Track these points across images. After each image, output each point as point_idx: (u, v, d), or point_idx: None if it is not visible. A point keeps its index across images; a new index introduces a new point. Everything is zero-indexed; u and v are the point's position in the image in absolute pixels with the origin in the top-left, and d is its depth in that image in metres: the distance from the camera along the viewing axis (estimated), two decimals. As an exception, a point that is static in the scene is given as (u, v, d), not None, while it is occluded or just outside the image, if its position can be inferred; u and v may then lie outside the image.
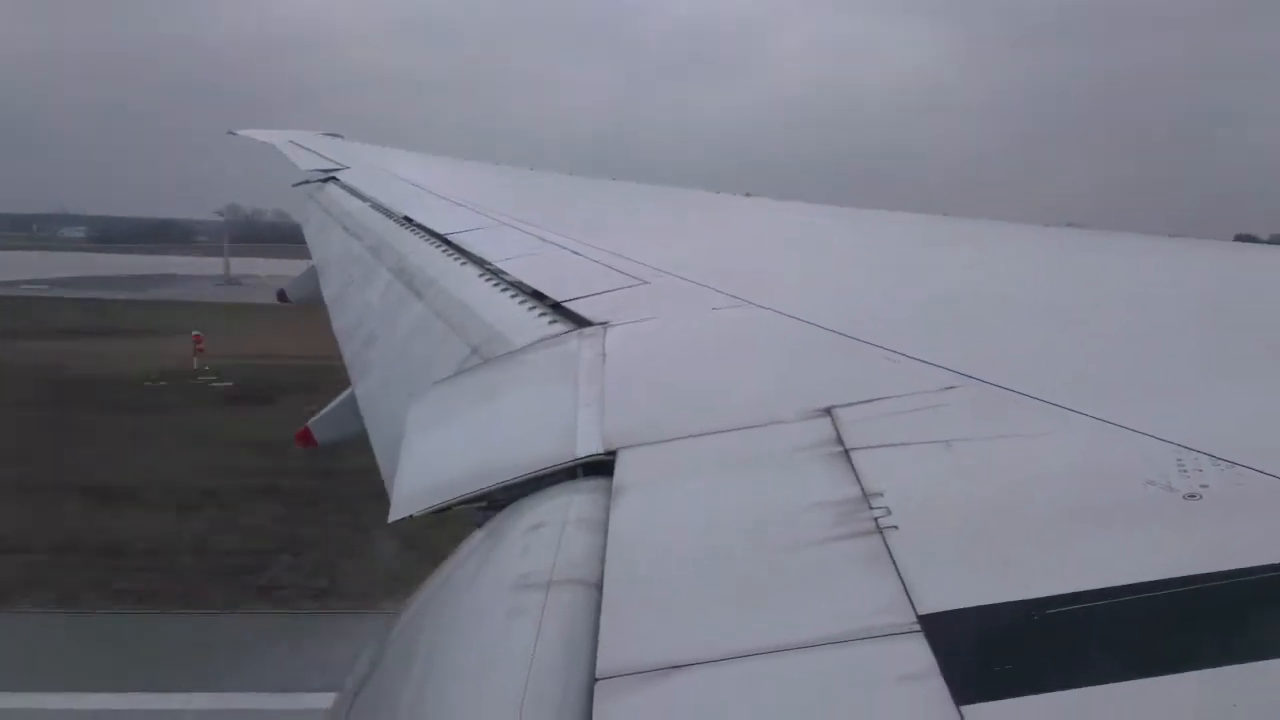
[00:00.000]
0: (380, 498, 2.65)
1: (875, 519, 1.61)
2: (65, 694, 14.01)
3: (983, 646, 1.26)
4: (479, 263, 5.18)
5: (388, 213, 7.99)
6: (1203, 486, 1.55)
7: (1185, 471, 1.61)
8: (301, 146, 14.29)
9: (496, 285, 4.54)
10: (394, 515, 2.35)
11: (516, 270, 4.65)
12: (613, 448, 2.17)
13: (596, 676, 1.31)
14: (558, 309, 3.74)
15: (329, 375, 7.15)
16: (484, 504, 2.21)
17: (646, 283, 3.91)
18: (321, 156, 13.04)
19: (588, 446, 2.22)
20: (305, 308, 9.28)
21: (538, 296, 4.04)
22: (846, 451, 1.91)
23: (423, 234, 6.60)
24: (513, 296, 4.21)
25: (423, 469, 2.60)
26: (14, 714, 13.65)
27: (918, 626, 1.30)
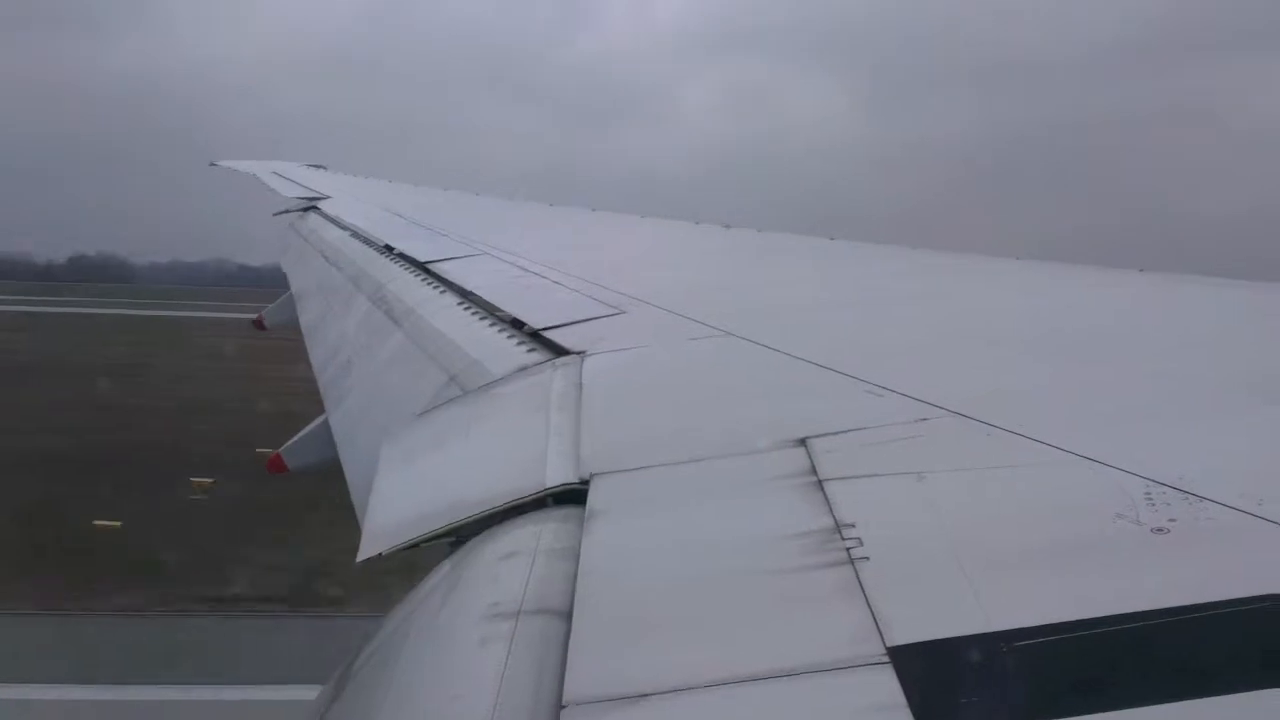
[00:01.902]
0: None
1: (847, 549, 1.60)
2: (64, 685, 14.50)
3: (950, 679, 1.26)
4: (458, 291, 5.18)
5: (368, 241, 7.98)
6: (1170, 521, 1.56)
7: (1154, 505, 1.62)
8: (284, 177, 14.29)
9: (475, 314, 4.53)
10: (362, 554, 2.28)
11: (496, 298, 4.65)
12: (587, 476, 2.16)
13: (563, 703, 1.30)
14: (536, 337, 3.74)
15: None
16: (453, 539, 2.17)
17: (624, 312, 3.92)
18: (304, 186, 13.04)
19: (561, 475, 2.20)
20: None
21: (516, 325, 4.04)
22: (820, 482, 1.90)
23: (403, 262, 6.60)
24: (491, 325, 4.21)
25: (393, 506, 2.55)
26: (13, 705, 14.02)
27: (886, 658, 1.29)
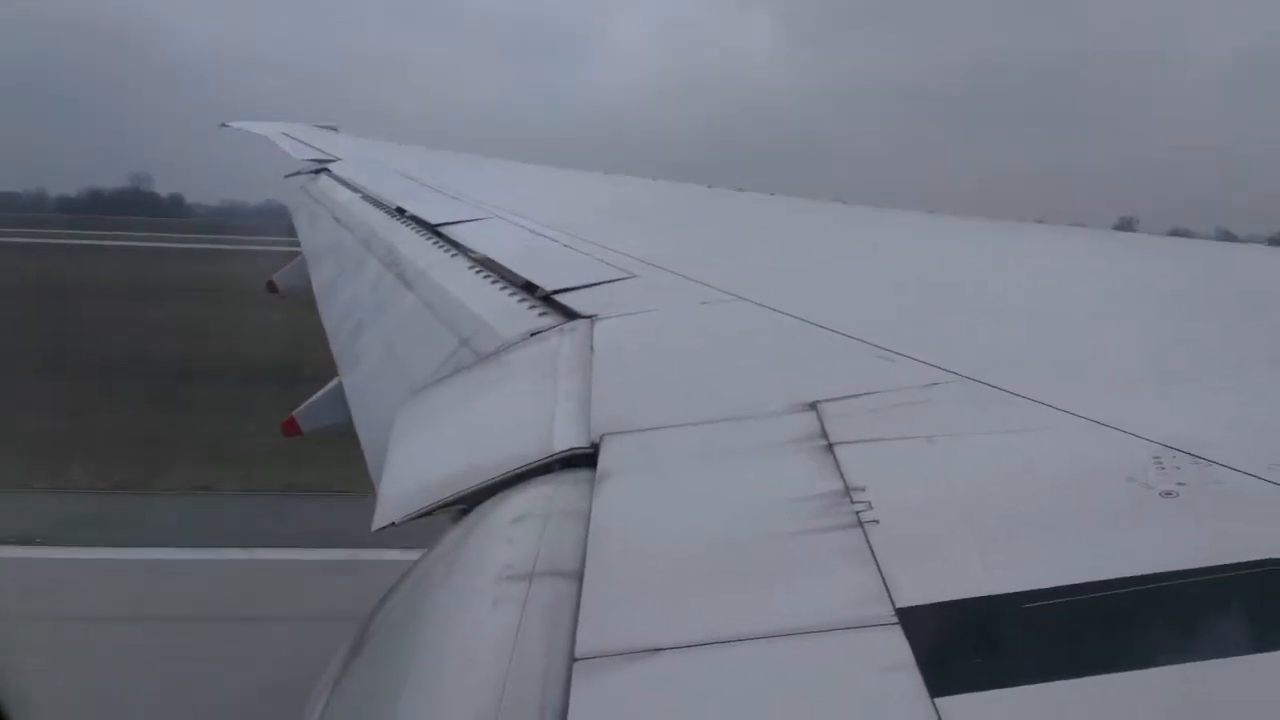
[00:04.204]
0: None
1: (857, 513, 1.62)
2: (89, 548, 15.06)
3: (958, 640, 1.28)
4: (470, 254, 5.18)
5: (379, 204, 7.99)
6: (1179, 484, 1.57)
7: (1163, 469, 1.62)
8: (294, 138, 14.30)
9: (486, 277, 4.54)
10: (377, 524, 2.29)
11: (507, 261, 4.65)
12: (598, 439, 2.18)
13: (575, 657, 1.33)
14: (547, 301, 3.75)
15: None
16: (465, 506, 2.19)
17: (635, 276, 3.92)
18: (314, 148, 13.05)
19: (573, 439, 2.22)
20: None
21: (528, 288, 4.04)
22: (830, 445, 1.92)
23: (414, 225, 6.61)
24: (502, 288, 4.21)
25: (406, 476, 2.55)
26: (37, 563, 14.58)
27: (895, 619, 1.31)
